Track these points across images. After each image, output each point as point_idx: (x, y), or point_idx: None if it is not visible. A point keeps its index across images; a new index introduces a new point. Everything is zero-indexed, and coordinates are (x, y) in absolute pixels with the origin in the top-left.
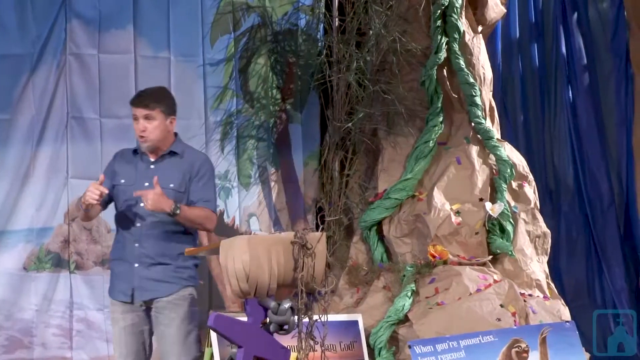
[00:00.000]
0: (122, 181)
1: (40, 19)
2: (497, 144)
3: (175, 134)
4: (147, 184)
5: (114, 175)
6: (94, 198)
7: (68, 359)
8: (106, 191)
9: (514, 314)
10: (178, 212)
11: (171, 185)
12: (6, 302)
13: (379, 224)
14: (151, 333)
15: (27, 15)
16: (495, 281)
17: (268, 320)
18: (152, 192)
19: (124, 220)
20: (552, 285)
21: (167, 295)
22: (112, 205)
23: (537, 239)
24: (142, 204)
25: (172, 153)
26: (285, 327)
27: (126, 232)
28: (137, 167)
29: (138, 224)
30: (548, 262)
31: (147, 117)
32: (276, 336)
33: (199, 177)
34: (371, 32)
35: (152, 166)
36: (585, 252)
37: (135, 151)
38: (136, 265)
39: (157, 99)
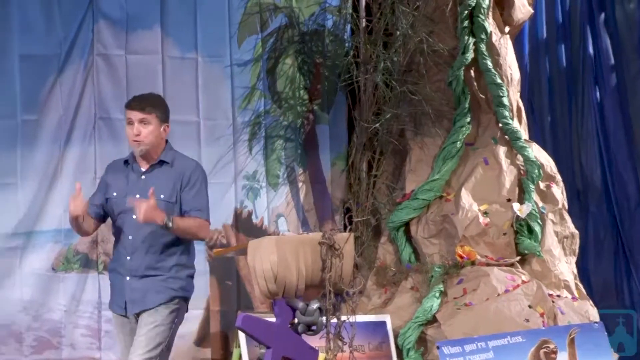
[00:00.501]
0: (114, 194)
1: (67, 19)
2: (524, 145)
3: (166, 142)
4: (138, 195)
5: (107, 188)
6: (75, 211)
7: None
8: (81, 197)
9: (542, 315)
10: (171, 224)
11: (162, 196)
12: (35, 303)
13: (407, 224)
14: None
15: (54, 16)
16: (523, 282)
17: (296, 320)
18: (146, 204)
19: (118, 233)
20: (580, 285)
21: (155, 306)
22: None
23: (565, 239)
24: (134, 216)
25: (161, 162)
26: (314, 327)
27: (120, 244)
28: (129, 178)
29: (130, 237)
30: (576, 263)
31: (142, 121)
32: (304, 337)
33: (191, 186)
34: (398, 32)
35: (142, 177)
36: (613, 252)
37: (126, 162)
38: (128, 278)
39: (153, 103)
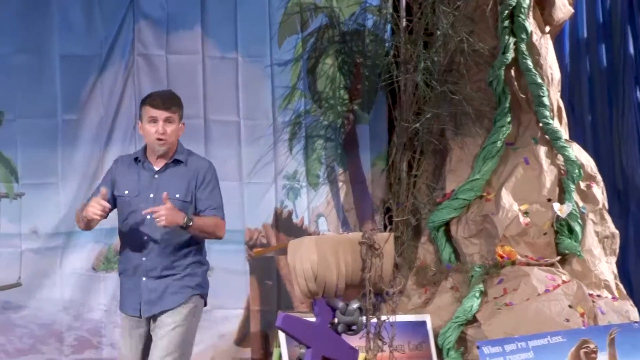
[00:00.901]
0: (126, 192)
1: (108, 20)
2: (565, 144)
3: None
4: (152, 195)
5: (114, 184)
6: (97, 214)
7: None
8: (108, 206)
9: (582, 315)
10: (191, 223)
11: (177, 195)
12: (75, 302)
13: (447, 224)
14: None
15: (94, 17)
16: (563, 282)
17: (336, 320)
18: (165, 209)
19: (130, 233)
20: (621, 285)
21: (173, 307)
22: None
23: (605, 239)
24: (148, 217)
25: (176, 161)
26: (354, 327)
27: (132, 245)
28: (140, 177)
29: (145, 237)
30: (616, 263)
31: (167, 120)
32: (344, 336)
33: (205, 185)
34: (438, 32)
35: (156, 176)
36: None
37: (136, 159)
38: (144, 279)
39: (177, 102)
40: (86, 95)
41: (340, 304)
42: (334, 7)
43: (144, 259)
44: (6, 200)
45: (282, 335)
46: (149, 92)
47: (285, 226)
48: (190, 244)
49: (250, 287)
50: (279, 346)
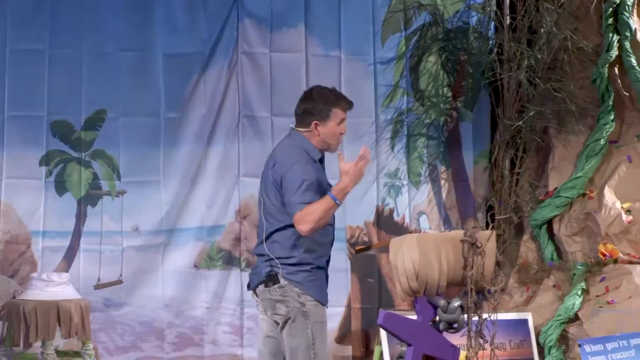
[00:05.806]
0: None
1: (211, 18)
2: None
3: None
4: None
5: (322, 186)
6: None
7: (239, 357)
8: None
9: None
10: None
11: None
12: (177, 300)
13: (549, 222)
14: None
15: (198, 15)
16: None
17: (437, 318)
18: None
19: (329, 228)
20: None
21: None
22: None
23: None
24: None
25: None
26: (455, 325)
27: (329, 239)
28: (324, 173)
29: (335, 231)
30: None
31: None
32: (445, 334)
33: None
34: (542, 30)
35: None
36: None
37: (321, 159)
38: (328, 270)
39: None
40: (189, 93)
41: (442, 302)
42: (437, 5)
43: (330, 251)
44: (108, 198)
45: (383, 333)
46: (252, 90)
47: (387, 224)
48: None
49: (351, 284)
50: (380, 344)
